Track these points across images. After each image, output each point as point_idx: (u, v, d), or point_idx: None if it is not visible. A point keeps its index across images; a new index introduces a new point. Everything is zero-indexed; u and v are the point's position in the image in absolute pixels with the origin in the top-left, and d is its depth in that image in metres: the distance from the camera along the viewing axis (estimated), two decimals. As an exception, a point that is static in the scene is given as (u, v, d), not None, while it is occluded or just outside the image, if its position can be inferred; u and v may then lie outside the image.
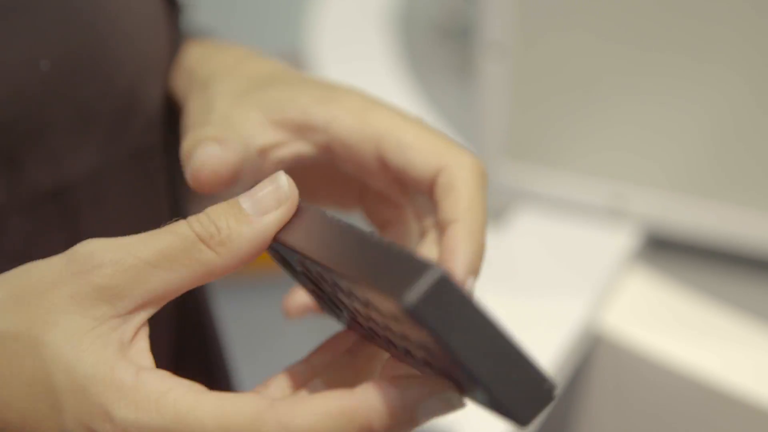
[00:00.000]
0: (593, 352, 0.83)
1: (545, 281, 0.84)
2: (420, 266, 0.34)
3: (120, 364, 0.39)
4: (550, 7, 0.90)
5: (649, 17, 0.88)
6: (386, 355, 0.43)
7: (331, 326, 0.47)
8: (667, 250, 0.93)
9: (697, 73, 0.88)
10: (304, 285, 0.46)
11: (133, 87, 0.52)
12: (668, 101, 0.89)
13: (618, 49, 0.89)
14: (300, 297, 0.51)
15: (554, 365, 0.74)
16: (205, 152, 0.47)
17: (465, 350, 0.35)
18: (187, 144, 0.48)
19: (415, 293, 0.34)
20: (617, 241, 0.90)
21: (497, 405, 0.36)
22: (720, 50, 0.87)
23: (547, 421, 0.79)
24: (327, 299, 0.44)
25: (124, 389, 0.38)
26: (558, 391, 0.36)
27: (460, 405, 0.38)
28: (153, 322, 0.42)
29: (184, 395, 0.38)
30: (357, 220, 0.51)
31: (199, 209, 0.42)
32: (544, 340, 0.76)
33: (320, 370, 0.44)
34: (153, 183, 0.55)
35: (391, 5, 1.20)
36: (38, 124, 0.47)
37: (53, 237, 0.50)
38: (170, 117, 0.56)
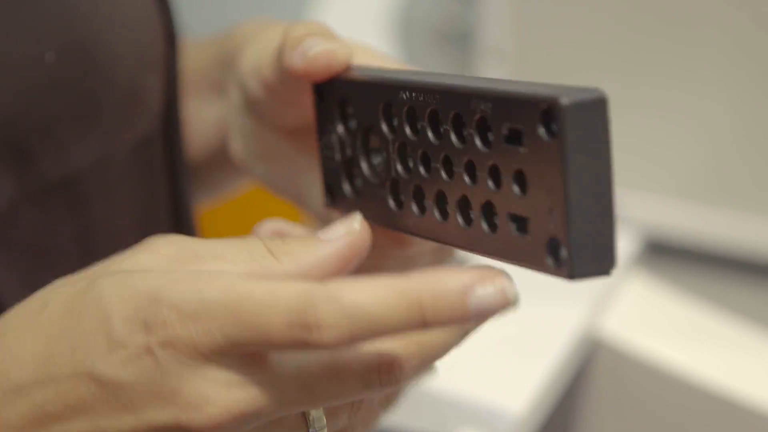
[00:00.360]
0: (593, 356, 0.83)
1: (544, 286, 0.84)
2: (584, 87, 0.35)
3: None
4: (547, 13, 0.90)
5: (647, 25, 0.88)
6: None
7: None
8: (666, 255, 0.93)
9: (694, 82, 0.88)
10: (329, 158, 0.47)
11: (132, 79, 0.53)
12: (666, 109, 0.90)
13: (616, 56, 0.89)
14: (269, 225, 0.50)
15: (554, 370, 0.74)
16: (323, 44, 0.46)
17: (579, 175, 0.35)
18: (294, 33, 0.47)
19: (574, 97, 0.35)
20: (617, 247, 0.90)
21: (559, 247, 0.36)
22: (716, 60, 0.87)
23: (546, 425, 0.79)
24: (370, 162, 0.45)
25: (173, 273, 0.37)
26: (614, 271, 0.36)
27: (515, 299, 0.37)
28: None
29: (235, 274, 0.37)
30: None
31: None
32: (543, 345, 0.76)
33: None
34: (153, 173, 0.56)
35: (390, 10, 1.20)
36: (46, 116, 0.48)
37: (63, 227, 0.50)
38: (169, 110, 0.57)
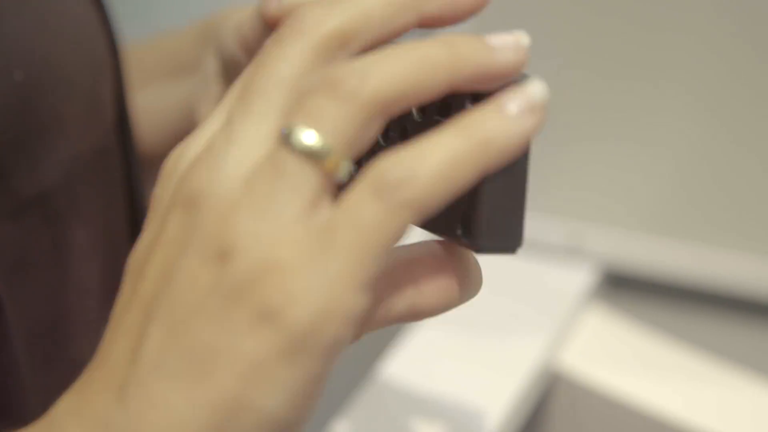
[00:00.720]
0: (551, 389, 0.83)
1: (503, 319, 0.84)
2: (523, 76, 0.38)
3: None
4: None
5: (607, 57, 0.89)
6: None
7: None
8: (624, 288, 0.94)
9: (654, 113, 0.88)
10: None
11: (92, 90, 0.54)
12: (624, 141, 0.90)
13: (575, 87, 0.89)
14: None
15: (513, 403, 0.74)
16: None
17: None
18: None
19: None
20: (575, 279, 0.90)
21: (470, 220, 0.37)
22: (677, 91, 0.87)
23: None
24: None
25: None
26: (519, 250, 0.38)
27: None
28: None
29: None
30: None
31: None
32: (502, 378, 0.76)
33: None
34: (113, 182, 0.57)
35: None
36: (18, 133, 0.48)
37: (39, 242, 0.50)
38: (121, 118, 0.57)
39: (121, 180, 0.57)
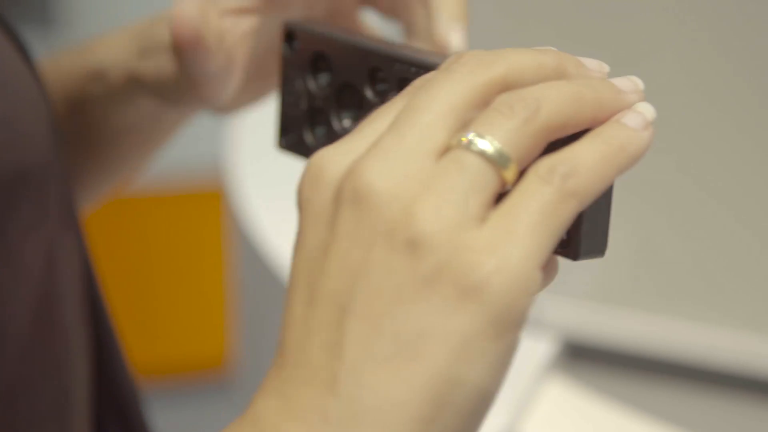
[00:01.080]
0: (512, 461, 0.83)
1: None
2: None
3: None
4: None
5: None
6: None
7: None
8: (584, 358, 0.94)
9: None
10: (293, 105, 0.51)
11: (44, 145, 0.54)
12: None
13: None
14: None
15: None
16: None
17: None
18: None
19: None
20: (535, 350, 0.90)
21: (565, 237, 0.40)
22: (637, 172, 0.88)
23: None
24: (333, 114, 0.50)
25: None
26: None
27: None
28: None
29: None
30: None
31: None
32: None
33: None
34: (71, 226, 0.57)
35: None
36: None
37: (13, 297, 0.51)
38: (63, 169, 0.58)
39: (67, 216, 0.57)
